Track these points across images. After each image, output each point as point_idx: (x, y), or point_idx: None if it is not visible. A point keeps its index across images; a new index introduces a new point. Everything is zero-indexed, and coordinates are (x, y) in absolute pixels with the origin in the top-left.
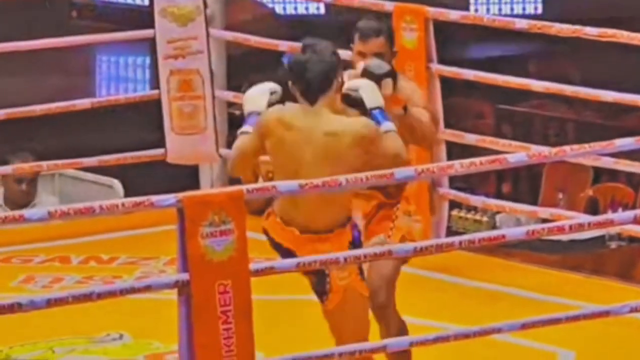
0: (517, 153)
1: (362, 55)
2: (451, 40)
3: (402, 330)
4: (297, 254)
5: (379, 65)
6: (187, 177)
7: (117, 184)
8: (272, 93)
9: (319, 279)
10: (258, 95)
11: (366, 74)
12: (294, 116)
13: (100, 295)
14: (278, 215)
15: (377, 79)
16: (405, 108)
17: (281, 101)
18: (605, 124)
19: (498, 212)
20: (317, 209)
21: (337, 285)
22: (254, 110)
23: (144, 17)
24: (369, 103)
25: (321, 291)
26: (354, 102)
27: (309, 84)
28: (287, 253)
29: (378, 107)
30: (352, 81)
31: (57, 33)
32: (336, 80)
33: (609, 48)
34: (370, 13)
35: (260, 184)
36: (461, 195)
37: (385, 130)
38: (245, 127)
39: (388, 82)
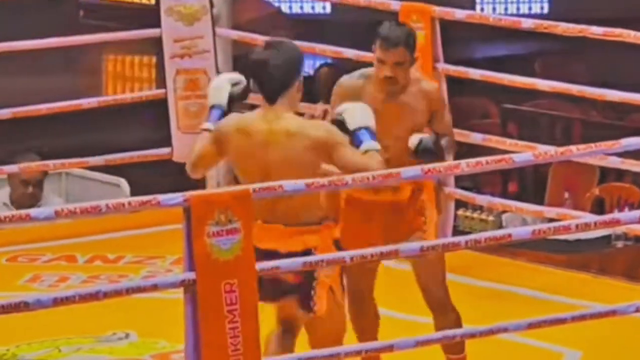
0: (523, 152)
1: (382, 62)
2: (457, 40)
3: (459, 319)
4: (281, 250)
5: (429, 143)
6: None
7: (123, 182)
8: (234, 84)
9: (306, 279)
10: (218, 88)
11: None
12: (252, 122)
13: (106, 294)
14: (257, 219)
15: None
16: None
17: (245, 92)
18: (611, 123)
19: (504, 212)
20: (300, 205)
21: (322, 284)
22: (215, 103)
23: (151, 16)
24: (351, 124)
25: (306, 297)
26: (340, 125)
27: (269, 81)
28: (268, 256)
29: (363, 127)
30: (339, 106)
31: (64, 32)
32: (297, 81)
33: (615, 48)
34: (392, 18)
35: (267, 184)
36: (467, 195)
37: (365, 149)
38: (207, 124)
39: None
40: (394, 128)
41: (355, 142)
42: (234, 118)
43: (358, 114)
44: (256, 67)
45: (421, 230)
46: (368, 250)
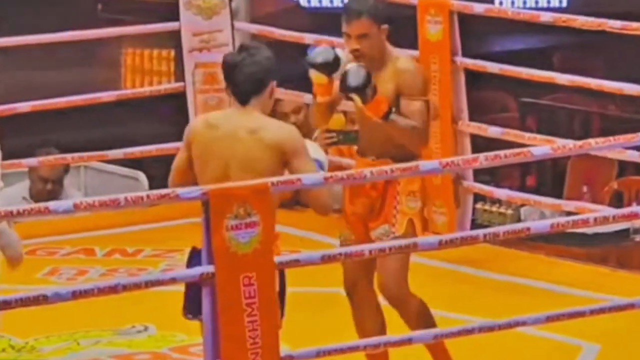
0: (542, 146)
1: (348, 36)
2: (475, 34)
3: (422, 313)
4: None
5: (352, 79)
6: None
7: (142, 176)
8: None
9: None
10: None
11: (341, 84)
12: (220, 117)
13: (125, 287)
14: None
15: (347, 91)
16: (386, 116)
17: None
18: (630, 117)
19: (522, 205)
20: None
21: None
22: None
23: (169, 10)
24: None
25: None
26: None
27: (240, 84)
28: None
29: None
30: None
31: (82, 26)
32: (270, 85)
33: (634, 41)
34: (411, 13)
35: (285, 177)
36: (486, 188)
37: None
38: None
39: (356, 97)
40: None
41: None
42: (204, 115)
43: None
44: (229, 70)
45: (389, 223)
46: (387, 244)
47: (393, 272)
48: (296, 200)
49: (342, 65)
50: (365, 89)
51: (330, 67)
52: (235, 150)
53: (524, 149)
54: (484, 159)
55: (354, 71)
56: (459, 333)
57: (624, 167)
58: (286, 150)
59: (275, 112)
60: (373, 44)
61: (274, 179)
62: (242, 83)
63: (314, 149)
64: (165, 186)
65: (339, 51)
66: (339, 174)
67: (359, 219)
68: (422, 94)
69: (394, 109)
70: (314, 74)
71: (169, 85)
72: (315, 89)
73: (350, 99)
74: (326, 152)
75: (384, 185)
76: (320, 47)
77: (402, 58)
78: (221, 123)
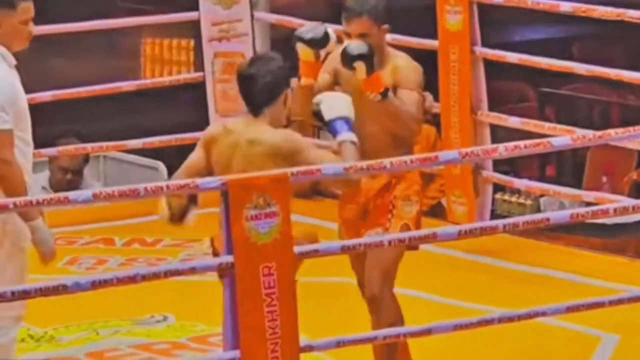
0: (561, 136)
1: (348, 35)
2: (495, 23)
3: (395, 324)
4: None
5: (355, 47)
6: None
7: (161, 166)
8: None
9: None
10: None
11: (342, 56)
12: (234, 124)
13: (144, 277)
14: None
15: (350, 61)
16: (384, 93)
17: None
18: None
19: (542, 196)
20: None
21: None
22: (339, 115)
23: (189, 0)
24: (327, 115)
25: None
26: (317, 115)
27: (253, 96)
28: None
29: (339, 117)
30: (318, 95)
31: (102, 15)
32: (282, 94)
33: None
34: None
35: (305, 167)
36: (505, 179)
37: (340, 140)
38: (343, 136)
39: (360, 65)
40: (371, 107)
41: (332, 132)
42: (223, 120)
43: (335, 103)
44: (242, 82)
45: (383, 227)
46: (404, 234)
47: (379, 273)
48: (315, 190)
49: (330, 44)
50: (371, 58)
51: (319, 43)
52: (235, 160)
53: (544, 140)
54: (504, 149)
55: (357, 43)
56: (479, 323)
57: None
58: (286, 154)
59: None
60: (373, 44)
61: (294, 170)
62: (255, 95)
63: (339, 100)
64: None
65: (329, 30)
66: (359, 164)
67: (351, 225)
68: (414, 88)
69: (390, 93)
70: (301, 49)
71: (188, 75)
72: (301, 68)
73: (353, 69)
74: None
75: (379, 190)
76: (311, 23)
77: (401, 56)
78: (231, 131)
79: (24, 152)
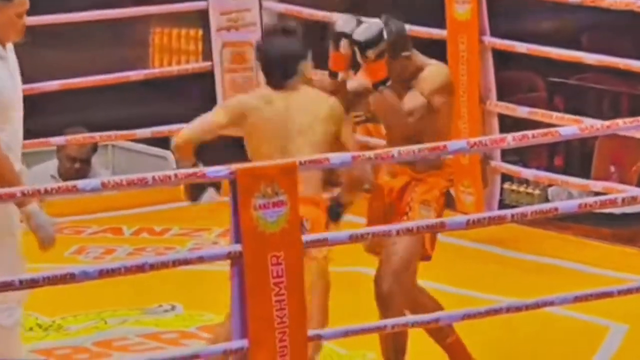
0: (570, 126)
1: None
2: (504, 13)
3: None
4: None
5: (362, 32)
6: (240, 148)
7: (170, 155)
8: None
9: None
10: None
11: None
12: (272, 94)
13: (152, 267)
14: None
15: (336, 38)
16: (377, 85)
17: None
18: None
19: (550, 185)
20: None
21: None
22: None
23: None
24: None
25: None
26: None
27: (271, 69)
28: None
29: None
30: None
31: (110, 5)
32: (300, 69)
33: None
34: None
35: (313, 156)
36: (513, 169)
37: None
38: None
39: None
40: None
41: None
42: (254, 93)
43: None
44: (259, 56)
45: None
46: (413, 224)
47: (389, 273)
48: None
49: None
50: (379, 43)
51: (373, 45)
52: (293, 120)
53: (552, 129)
54: (512, 139)
55: (365, 27)
56: (487, 313)
57: None
58: (338, 120)
59: None
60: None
61: (303, 159)
62: (272, 68)
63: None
64: (192, 165)
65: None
66: (367, 153)
67: (374, 224)
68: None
69: (388, 84)
70: (347, 48)
71: (196, 65)
72: (334, 61)
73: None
74: (354, 132)
75: (398, 192)
76: (344, 15)
77: (430, 64)
78: (275, 99)
79: (6, 142)
